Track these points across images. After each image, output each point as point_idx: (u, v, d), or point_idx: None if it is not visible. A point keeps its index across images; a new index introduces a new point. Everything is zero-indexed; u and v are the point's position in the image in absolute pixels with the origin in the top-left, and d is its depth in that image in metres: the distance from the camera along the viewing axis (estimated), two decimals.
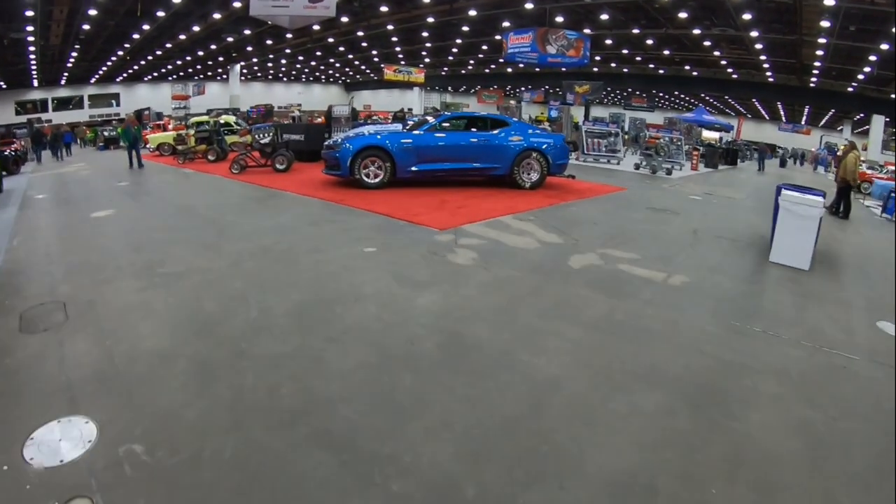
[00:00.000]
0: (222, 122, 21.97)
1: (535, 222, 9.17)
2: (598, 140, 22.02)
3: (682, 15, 26.60)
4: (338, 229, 8.29)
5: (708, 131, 34.99)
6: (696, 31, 28.96)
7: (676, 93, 54.97)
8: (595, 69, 42.20)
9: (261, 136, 15.20)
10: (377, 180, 11.70)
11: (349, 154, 11.54)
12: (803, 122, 59.60)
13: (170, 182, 14.68)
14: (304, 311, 5.10)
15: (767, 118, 63.72)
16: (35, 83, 44.18)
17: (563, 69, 42.77)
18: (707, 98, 55.79)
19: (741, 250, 8.52)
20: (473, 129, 12.61)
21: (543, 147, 12.48)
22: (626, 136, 29.48)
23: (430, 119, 12.89)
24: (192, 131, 20.30)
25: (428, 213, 9.40)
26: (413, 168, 11.81)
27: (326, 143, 12.59)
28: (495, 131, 12.36)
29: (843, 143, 43.92)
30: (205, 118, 24.30)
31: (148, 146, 22.90)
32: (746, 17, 25.06)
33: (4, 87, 43.29)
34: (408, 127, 12.71)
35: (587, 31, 28.06)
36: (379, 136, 11.84)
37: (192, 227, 8.74)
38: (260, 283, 5.88)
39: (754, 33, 27.41)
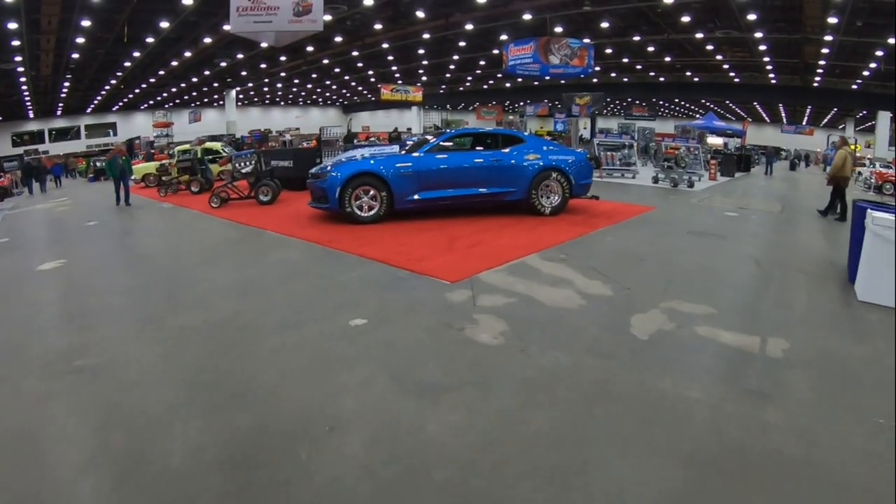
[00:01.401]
0: (207, 149, 19.75)
1: (568, 263, 7.06)
2: (612, 153, 19.94)
3: (685, 19, 25.06)
4: (319, 287, 6.17)
5: (712, 138, 32.95)
6: (699, 35, 27.54)
7: (677, 100, 53.20)
8: (595, 80, 40.58)
9: (241, 164, 13.14)
10: (371, 213, 9.64)
11: (337, 183, 9.48)
12: (805, 123, 57.64)
13: (141, 221, 12.60)
14: (246, 459, 3.00)
15: (768, 121, 61.74)
16: (31, 114, 42.68)
17: (563, 81, 41.38)
18: (708, 104, 54.01)
19: (819, 286, 6.57)
20: (481, 148, 10.59)
21: (564, 166, 10.41)
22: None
23: (431, 138, 10.82)
24: (175, 160, 18.28)
25: (434, 257, 7.30)
26: (413, 197, 9.75)
27: (312, 170, 10.50)
28: (507, 149, 10.29)
29: (849, 140, 42.21)
30: (186, 146, 22.25)
31: (133, 177, 20.97)
32: (751, 17, 23.72)
33: (0, 119, 41.65)
34: (406, 149, 10.66)
35: (587, 40, 26.13)
36: (372, 161, 9.79)
37: (143, 286, 6.68)
38: (195, 392, 3.79)
39: (758, 34, 26.03)
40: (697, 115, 63.23)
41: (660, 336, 4.78)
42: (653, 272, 6.84)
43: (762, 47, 28.59)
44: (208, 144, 20.69)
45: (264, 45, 30.20)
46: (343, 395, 3.72)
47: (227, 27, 25.36)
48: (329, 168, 9.95)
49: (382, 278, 6.41)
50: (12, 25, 22.15)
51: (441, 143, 10.25)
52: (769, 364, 4.28)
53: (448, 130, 17.55)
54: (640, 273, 6.77)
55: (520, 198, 10.21)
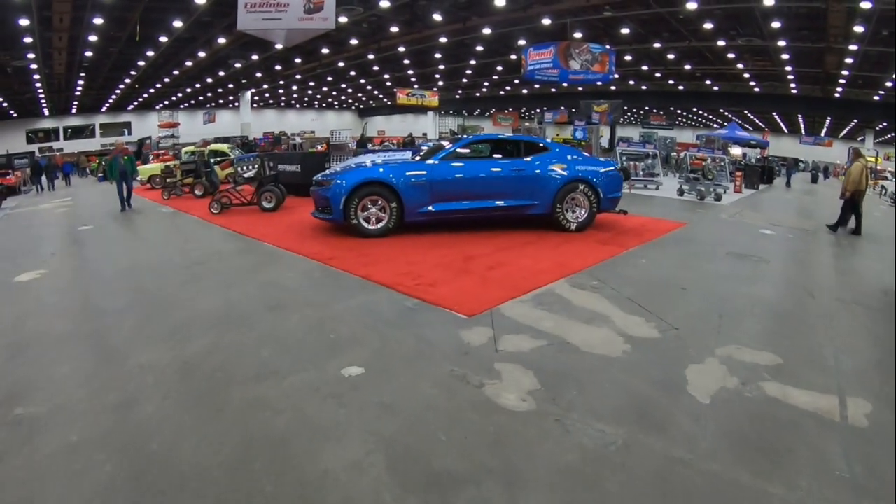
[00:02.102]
0: (214, 151, 18.79)
1: (602, 293, 6.05)
2: (635, 163, 18.87)
3: (707, 26, 24.13)
4: (312, 319, 5.18)
5: (734, 149, 31.72)
6: (721, 43, 26.52)
7: (695, 109, 51.91)
8: (613, 87, 39.76)
9: (244, 168, 12.22)
10: (379, 226, 8.68)
11: (342, 192, 8.53)
12: (823, 134, 56.15)
13: (135, 227, 11.71)
14: None
15: (786, 131, 60.23)
16: (46, 112, 42.15)
17: (580, 88, 40.40)
18: (726, 113, 52.72)
19: (886, 324, 5.50)
20: (501, 156, 9.62)
21: (593, 177, 9.41)
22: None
23: (446, 144, 9.85)
24: (179, 162, 17.43)
25: (448, 281, 6.31)
26: (426, 209, 8.77)
27: (315, 177, 9.55)
28: (530, 158, 9.30)
29: (870, 152, 41.04)
30: (191, 148, 21.38)
31: (138, 178, 20.22)
32: (775, 25, 22.66)
33: (15, 115, 41.30)
34: (419, 155, 9.70)
35: (608, 46, 25.10)
36: (381, 169, 8.80)
37: (116, 308, 5.77)
38: (138, 470, 2.85)
39: (781, 42, 25.02)
40: (715, 125, 62.07)
41: (723, 398, 3.78)
42: (699, 305, 5.83)
43: (784, 56, 27.63)
44: (214, 146, 19.75)
45: (279, 46, 29.72)
46: (324, 488, 2.75)
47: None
48: (334, 175, 9.00)
49: (387, 308, 5.44)
50: (24, 22, 21.52)
51: (457, 149, 9.29)
52: (855, 436, 3.30)
53: (465, 136, 16.56)
54: (684, 306, 5.75)
55: (543, 212, 9.21)
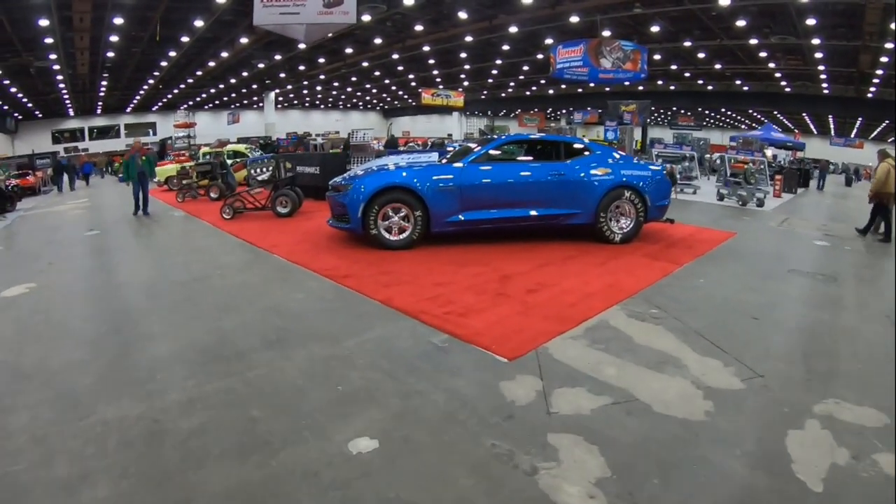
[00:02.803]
0: (232, 152, 17.91)
1: (666, 324, 5.01)
2: (672, 165, 17.69)
3: (740, 23, 22.91)
4: (317, 360, 4.20)
5: (768, 150, 30.27)
6: (753, 41, 25.36)
7: (724, 109, 50.26)
8: (640, 87, 38.41)
9: (258, 171, 11.34)
10: (402, 238, 7.72)
11: (361, 199, 7.59)
12: (853, 135, 54.08)
13: (141, 234, 10.88)
14: None
15: (815, 132, 58.18)
16: (71, 112, 41.95)
17: (608, 88, 39.11)
18: (755, 114, 51.04)
19: None
20: (537, 159, 8.58)
21: (640, 183, 8.35)
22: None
23: (475, 147, 8.83)
24: (194, 164, 16.66)
25: (482, 309, 5.30)
26: (455, 218, 7.78)
27: (332, 181, 8.62)
28: (570, 161, 8.28)
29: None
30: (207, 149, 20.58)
31: (155, 179, 19.54)
32: (810, 22, 21.43)
33: (41, 116, 41.18)
34: (447, 158, 8.72)
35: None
36: (405, 173, 7.82)
37: (92, 339, 4.94)
38: None
39: (815, 40, 23.78)
40: (742, 126, 60.28)
41: (838, 481, 2.79)
42: (777, 341, 4.77)
43: (818, 55, 26.37)
44: (232, 147, 18.88)
45: (301, 46, 28.94)
46: None
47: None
48: (352, 179, 8.06)
49: (410, 346, 4.46)
50: (44, 22, 21.00)
51: (490, 151, 8.29)
52: None
53: (496, 136, 15.55)
54: (761, 342, 4.69)
55: (584, 222, 8.19)
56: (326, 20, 12.93)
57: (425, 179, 7.66)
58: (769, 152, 28.36)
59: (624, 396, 3.63)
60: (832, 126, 54.59)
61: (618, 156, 8.74)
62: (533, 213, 7.98)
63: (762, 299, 5.99)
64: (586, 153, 8.46)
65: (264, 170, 11.26)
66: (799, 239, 10.50)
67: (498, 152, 8.51)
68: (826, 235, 10.95)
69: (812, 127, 56.88)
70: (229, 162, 16.64)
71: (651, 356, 4.30)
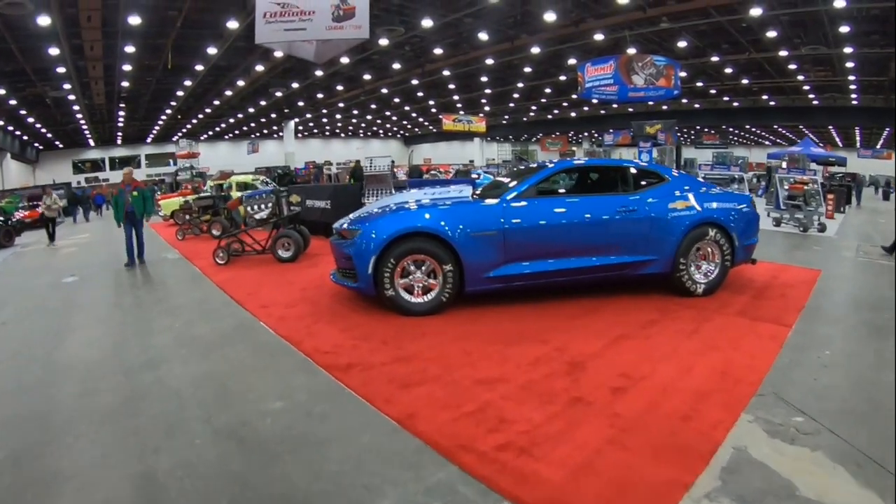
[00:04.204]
0: (240, 184, 15.90)
1: (824, 446, 2.93)
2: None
3: (771, 34, 21.16)
4: None
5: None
6: (783, 53, 23.54)
7: (748, 126, 47.91)
8: (664, 107, 36.43)
9: (255, 207, 9.43)
10: (428, 299, 5.69)
11: (372, 249, 5.57)
12: (879, 146, 51.26)
13: (118, 284, 8.93)
14: None
15: (841, 145, 55.47)
16: (91, 142, 40.97)
17: (630, 109, 37.15)
18: (780, 129, 48.69)
19: None
20: (598, 191, 6.67)
21: (726, 219, 6.33)
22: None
23: (508, 181, 6.78)
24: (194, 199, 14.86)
25: (555, 437, 3.21)
26: (497, 272, 5.74)
27: (336, 224, 6.63)
28: (641, 192, 6.27)
29: None
30: (211, 180, 18.73)
31: (161, 213, 17.89)
32: (843, 29, 19.70)
33: (61, 146, 40.25)
34: (478, 191, 6.72)
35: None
36: (428, 214, 5.80)
37: None
38: None
39: (847, 49, 22.05)
40: (767, 143, 57.81)
41: None
42: None
43: (849, 64, 24.60)
44: (237, 178, 16.97)
45: (319, 73, 27.36)
46: None
47: (278, 53, 22.93)
48: (361, 221, 6.06)
49: None
50: (54, 51, 19.71)
51: (539, 182, 6.20)
52: None
53: (529, 162, 13.52)
54: None
55: (659, 270, 6.14)
56: (337, 35, 11.17)
57: (456, 221, 5.64)
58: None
59: None
60: (858, 138, 52.09)
61: (699, 187, 6.66)
62: (597, 262, 5.94)
63: None
64: (661, 182, 6.41)
65: (262, 206, 9.35)
66: (890, 273, 8.37)
67: (547, 184, 6.51)
68: None
69: (837, 140, 54.40)
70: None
71: None
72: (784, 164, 19.68)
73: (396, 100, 37.81)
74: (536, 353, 4.55)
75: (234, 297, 7.02)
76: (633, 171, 6.52)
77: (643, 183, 6.42)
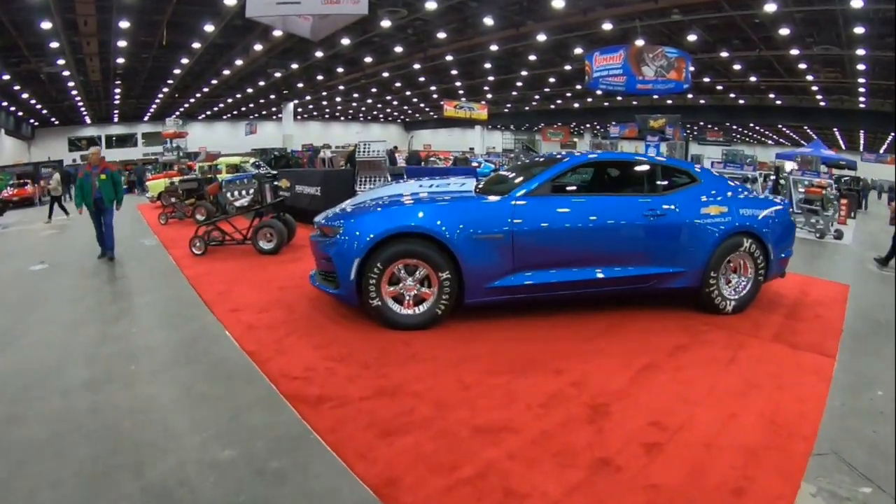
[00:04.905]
0: (228, 166, 14.83)
1: None
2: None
3: (783, 31, 20.29)
4: None
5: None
6: (794, 52, 22.65)
7: (752, 124, 46.91)
8: (669, 101, 35.46)
9: (235, 194, 8.53)
10: (421, 311, 4.80)
11: (355, 251, 4.66)
12: (883, 151, 50.30)
13: (84, 276, 8.00)
14: None
15: (844, 147, 54.42)
16: (87, 120, 39.83)
17: (635, 102, 36.10)
18: (784, 129, 47.66)
19: None
20: (620, 190, 5.80)
21: (762, 227, 5.45)
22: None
23: (514, 177, 5.86)
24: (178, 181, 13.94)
25: None
26: (504, 282, 4.84)
27: (317, 218, 5.61)
28: (669, 194, 5.37)
29: None
30: (203, 162, 17.71)
31: (148, 195, 17.00)
32: (857, 30, 18.87)
33: (57, 123, 39.08)
34: (480, 185, 5.80)
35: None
36: (422, 212, 4.88)
37: None
38: None
39: (860, 51, 21.15)
40: (769, 142, 56.79)
41: None
42: None
43: (860, 66, 23.68)
44: (225, 160, 15.91)
45: (319, 54, 26.25)
46: None
47: (277, 32, 21.92)
48: (345, 217, 5.12)
49: None
50: (46, 25, 18.74)
51: (555, 177, 5.22)
52: None
53: (537, 153, 12.64)
54: None
55: (687, 284, 5.26)
56: (333, 10, 10.19)
57: (456, 221, 4.74)
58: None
59: None
60: (862, 141, 51.12)
61: (732, 190, 5.73)
62: (619, 272, 5.06)
63: None
64: (691, 182, 5.52)
65: (243, 192, 8.44)
66: None
67: (564, 178, 5.60)
68: None
69: (841, 142, 53.37)
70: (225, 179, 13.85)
71: None
72: (794, 165, 18.70)
73: (397, 84, 36.71)
74: (549, 387, 3.69)
75: (203, 296, 6.15)
76: (663, 168, 5.60)
77: (671, 183, 5.53)
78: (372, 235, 4.62)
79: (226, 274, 7.20)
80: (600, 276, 4.99)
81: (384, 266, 4.64)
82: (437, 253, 4.66)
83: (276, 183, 10.04)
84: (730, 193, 5.55)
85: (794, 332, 5.02)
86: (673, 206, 5.17)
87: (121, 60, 25.76)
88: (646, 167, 5.71)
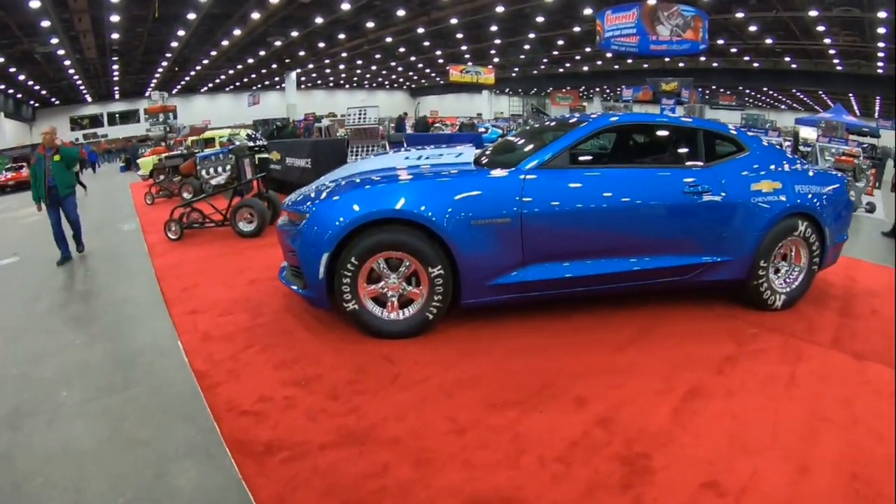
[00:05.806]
0: (219, 140, 13.71)
1: None
2: None
3: None
4: None
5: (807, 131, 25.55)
6: (813, 13, 21.53)
7: (765, 89, 45.04)
8: (681, 64, 33.96)
9: (210, 171, 7.59)
10: (408, 316, 3.86)
11: (323, 243, 3.69)
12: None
13: (49, 268, 7.11)
14: None
15: (859, 113, 52.37)
16: (88, 98, 38.84)
17: (646, 65, 34.58)
18: (798, 94, 45.73)
19: None
20: (650, 162, 4.79)
21: (819, 207, 4.40)
22: None
23: (513, 137, 5.03)
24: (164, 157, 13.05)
25: None
26: (509, 278, 3.82)
27: (287, 200, 4.53)
28: (711, 164, 4.32)
29: None
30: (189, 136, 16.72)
31: (139, 173, 16.18)
32: None
33: (58, 103, 38.16)
34: (487, 157, 4.68)
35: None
36: (407, 193, 3.76)
37: None
38: None
39: (881, 13, 19.89)
40: (783, 107, 54.88)
41: None
42: None
43: (880, 30, 22.19)
44: (211, 133, 14.84)
45: (319, 20, 24.95)
46: None
47: None
48: (315, 199, 4.06)
49: None
50: (34, 4, 17.79)
51: (574, 145, 4.12)
52: None
53: (546, 116, 11.66)
54: None
55: (732, 276, 4.27)
56: None
57: (449, 202, 3.74)
58: (812, 134, 23.79)
59: None
60: (878, 108, 49.12)
61: (785, 162, 4.63)
62: (648, 263, 4.07)
63: None
64: (738, 151, 4.48)
65: (219, 170, 7.50)
66: None
67: (585, 146, 4.59)
68: None
69: (856, 108, 51.31)
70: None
71: None
72: (813, 132, 17.44)
73: (401, 49, 35.40)
74: (570, 429, 2.76)
75: (165, 293, 5.27)
76: (704, 132, 4.50)
77: (713, 152, 4.51)
78: (341, 222, 3.65)
79: (196, 264, 6.31)
80: (630, 268, 4.00)
81: (360, 261, 3.69)
82: (425, 243, 3.70)
83: (266, 155, 9.14)
84: (786, 165, 4.52)
85: (854, 335, 4.04)
86: (718, 181, 4.14)
87: (115, 36, 24.91)
88: (684, 132, 4.67)
